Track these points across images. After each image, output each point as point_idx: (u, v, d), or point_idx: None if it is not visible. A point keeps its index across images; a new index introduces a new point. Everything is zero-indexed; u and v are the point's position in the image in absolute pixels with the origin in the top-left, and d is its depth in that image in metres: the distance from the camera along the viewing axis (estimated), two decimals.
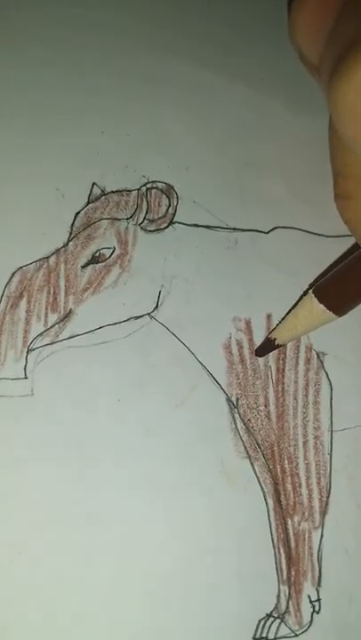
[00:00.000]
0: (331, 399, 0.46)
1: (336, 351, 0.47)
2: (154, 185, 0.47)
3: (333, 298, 0.40)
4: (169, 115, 0.49)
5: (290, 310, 0.45)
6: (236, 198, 0.49)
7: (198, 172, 0.49)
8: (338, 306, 0.40)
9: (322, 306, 0.40)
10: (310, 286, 0.46)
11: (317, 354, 0.47)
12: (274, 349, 0.45)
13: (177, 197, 0.48)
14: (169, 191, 0.48)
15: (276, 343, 0.44)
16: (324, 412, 0.46)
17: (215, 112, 0.50)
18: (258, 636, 0.43)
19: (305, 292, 0.46)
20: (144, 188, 0.47)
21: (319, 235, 0.49)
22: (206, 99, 0.50)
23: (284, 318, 0.45)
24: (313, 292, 0.41)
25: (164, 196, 0.47)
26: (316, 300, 0.40)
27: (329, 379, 0.47)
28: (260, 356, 0.45)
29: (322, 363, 0.47)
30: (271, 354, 0.46)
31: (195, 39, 0.51)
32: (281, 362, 0.46)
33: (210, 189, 0.49)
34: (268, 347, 0.45)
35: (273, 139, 0.50)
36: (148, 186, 0.47)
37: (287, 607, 0.43)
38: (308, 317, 0.41)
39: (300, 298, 0.46)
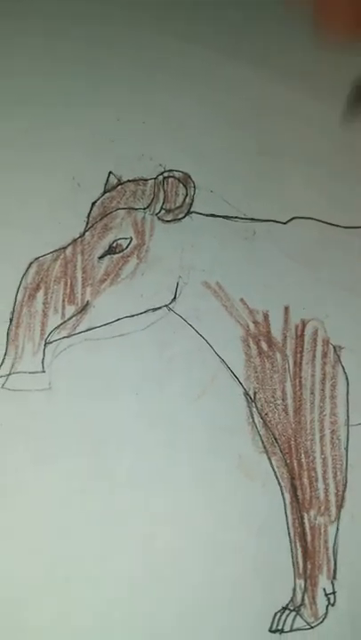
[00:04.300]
0: (347, 393, 0.46)
1: (353, 345, 0.47)
2: (171, 174, 0.47)
3: None
4: (185, 102, 0.48)
5: None
6: (253, 188, 0.48)
7: (215, 161, 0.48)
8: None
9: None
10: None
11: (334, 347, 0.46)
12: None
13: (194, 187, 0.47)
14: (186, 180, 0.47)
15: None
16: (340, 406, 0.46)
17: (233, 100, 0.49)
18: (274, 628, 0.43)
19: None
20: (161, 177, 0.46)
21: (337, 226, 0.49)
22: (224, 86, 0.49)
23: None
24: None
25: (181, 185, 0.47)
26: None
27: (345, 372, 0.46)
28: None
29: (338, 357, 0.46)
30: (289, 347, 0.46)
31: (211, 28, 0.50)
32: (298, 355, 0.46)
33: (227, 178, 0.48)
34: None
35: (291, 127, 0.49)
36: (165, 175, 0.47)
37: (303, 600, 0.44)
38: None
39: None
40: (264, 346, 0.45)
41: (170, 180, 0.46)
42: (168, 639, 0.42)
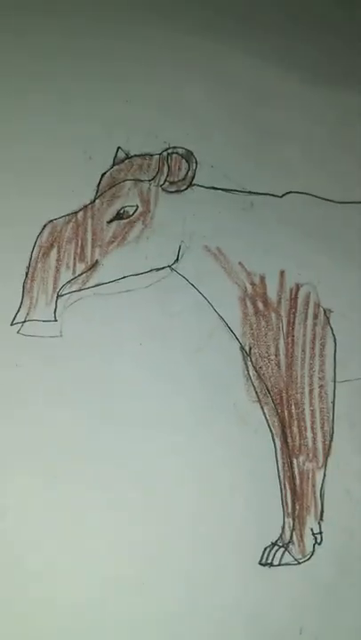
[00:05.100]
0: (335, 353, 0.50)
1: (342, 309, 0.50)
2: (175, 150, 0.50)
3: None
4: (190, 85, 0.52)
5: None
6: (252, 164, 0.52)
7: (217, 139, 0.52)
8: None
9: None
10: None
11: (325, 310, 0.50)
12: None
13: (196, 162, 0.51)
14: (188, 156, 0.50)
15: None
16: (328, 364, 0.49)
17: (234, 82, 0.52)
18: (263, 561, 0.46)
19: None
20: (165, 153, 0.50)
21: (329, 200, 0.52)
22: (225, 69, 0.53)
23: None
24: None
25: (183, 160, 0.50)
26: None
27: (334, 334, 0.50)
28: None
29: (328, 319, 0.50)
30: (283, 307, 0.49)
31: (215, 11, 0.53)
32: (292, 316, 0.49)
33: (228, 155, 0.51)
34: None
35: (290, 107, 0.53)
36: (170, 151, 0.50)
37: (291, 537, 0.47)
38: None
39: None
40: (260, 306, 0.49)
41: (174, 155, 0.50)
42: (164, 568, 0.46)
